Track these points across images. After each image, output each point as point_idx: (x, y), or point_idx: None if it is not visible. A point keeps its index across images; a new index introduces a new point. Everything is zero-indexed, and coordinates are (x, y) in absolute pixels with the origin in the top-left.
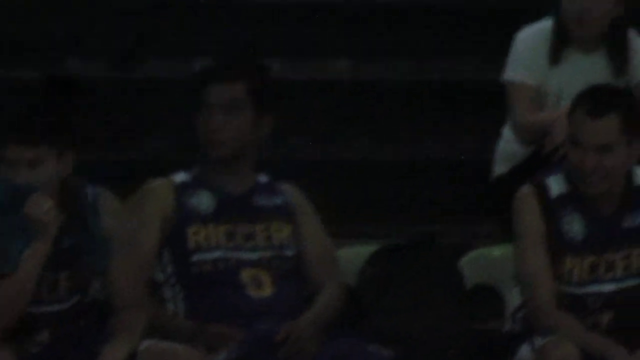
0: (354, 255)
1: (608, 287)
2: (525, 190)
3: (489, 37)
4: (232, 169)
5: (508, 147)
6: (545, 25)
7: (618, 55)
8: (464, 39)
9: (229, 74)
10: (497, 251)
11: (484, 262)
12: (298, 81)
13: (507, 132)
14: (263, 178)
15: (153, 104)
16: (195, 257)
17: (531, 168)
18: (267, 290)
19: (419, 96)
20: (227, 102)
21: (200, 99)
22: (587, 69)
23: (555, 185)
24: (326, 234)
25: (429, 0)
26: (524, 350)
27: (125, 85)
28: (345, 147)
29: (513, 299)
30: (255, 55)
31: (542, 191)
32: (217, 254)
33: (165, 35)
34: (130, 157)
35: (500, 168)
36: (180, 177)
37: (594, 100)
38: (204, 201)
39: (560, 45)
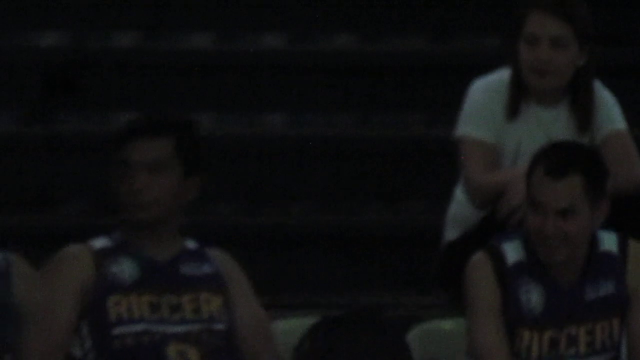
0: (291, 328)
1: None
2: (479, 258)
3: (438, 90)
4: (156, 234)
5: (460, 210)
6: (501, 76)
7: (582, 108)
8: (411, 93)
9: (155, 129)
10: (448, 324)
11: (433, 336)
12: (229, 137)
13: (458, 194)
14: (191, 244)
15: (68, 162)
16: (117, 331)
17: (485, 233)
18: None
19: (362, 153)
20: (152, 160)
21: (121, 156)
22: (547, 124)
23: (512, 252)
24: (260, 306)
25: (373, 53)
26: None
27: (37, 141)
28: (281, 211)
29: None
30: (184, 110)
31: (497, 258)
32: (140, 327)
33: (83, 88)
34: (45, 221)
35: (451, 233)
36: (99, 242)
37: (554, 158)
38: (126, 269)
39: (517, 97)
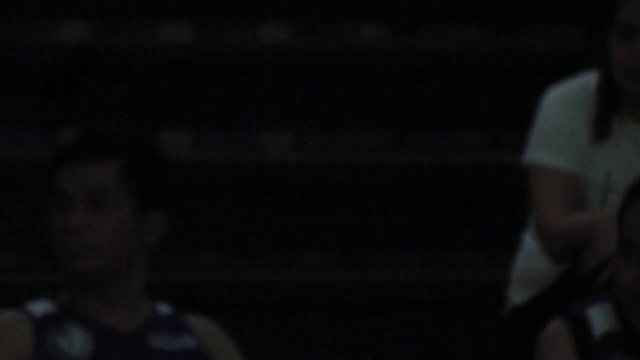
0: None
1: None
2: (556, 328)
3: (499, 101)
4: (112, 295)
5: (529, 263)
6: (585, 83)
7: None
8: (458, 103)
9: (94, 151)
10: None
11: None
12: (210, 161)
13: (528, 242)
14: (163, 308)
15: None
16: None
17: (564, 295)
18: None
19: (394, 186)
20: (91, 190)
21: (54, 186)
22: None
23: (600, 319)
24: None
25: (407, 49)
26: None
27: None
28: (283, 265)
29: None
30: (139, 127)
31: (580, 329)
32: None
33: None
34: None
35: (518, 295)
36: (39, 306)
37: None
38: (76, 342)
39: (608, 112)
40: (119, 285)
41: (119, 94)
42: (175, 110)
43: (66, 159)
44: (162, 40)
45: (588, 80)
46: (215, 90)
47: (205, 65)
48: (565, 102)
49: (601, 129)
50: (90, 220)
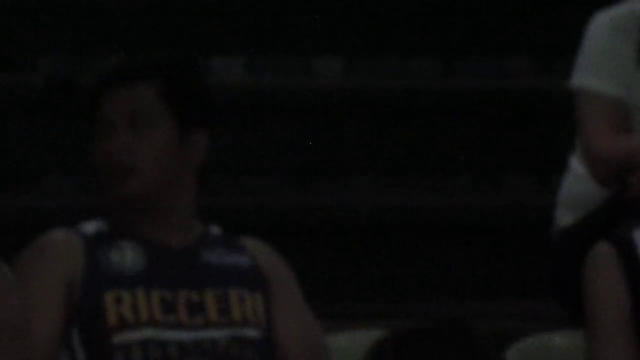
0: (352, 343)
1: None
2: (603, 250)
3: (546, 25)
4: (162, 216)
5: (577, 186)
6: (633, 9)
7: None
8: (505, 28)
9: (131, 73)
10: (561, 339)
11: (541, 354)
12: (259, 85)
13: (575, 165)
14: (216, 229)
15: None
16: (118, 338)
17: (611, 218)
18: None
19: (444, 110)
20: (130, 112)
21: (94, 113)
22: None
23: None
24: (311, 314)
25: None
26: None
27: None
28: (336, 189)
29: None
30: (180, 50)
31: (627, 251)
32: (149, 333)
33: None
34: (23, 201)
35: (565, 217)
36: (91, 226)
37: None
38: (128, 256)
39: None
40: (166, 205)
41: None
42: (227, 34)
43: (105, 83)
44: None
45: (635, 5)
46: (268, 15)
47: None
48: (612, 27)
49: None
50: (131, 142)
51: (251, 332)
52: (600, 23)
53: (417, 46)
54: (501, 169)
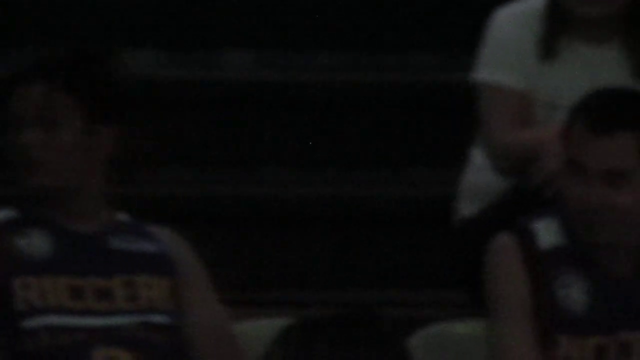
0: (259, 331)
1: None
2: (504, 241)
3: (449, 22)
4: (73, 206)
5: (479, 178)
6: (533, 3)
7: (639, 46)
8: (413, 25)
9: (41, 69)
10: (463, 327)
11: (444, 342)
12: (177, 79)
13: (477, 157)
14: (126, 218)
15: None
16: (28, 323)
17: (512, 209)
18: None
19: (354, 105)
20: (38, 109)
21: (6, 109)
22: (594, 67)
23: (547, 233)
24: (220, 302)
25: None
26: None
27: None
28: (250, 179)
29: None
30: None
31: (527, 241)
32: (57, 319)
33: None
34: None
35: (467, 208)
36: (1, 214)
37: (600, 109)
38: (36, 242)
39: (555, 31)
40: (77, 197)
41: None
42: (137, 27)
43: (17, 81)
44: None
45: (535, 1)
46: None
47: None
48: (514, 21)
49: (549, 48)
50: (39, 138)
51: (159, 318)
52: (502, 18)
53: (325, 41)
54: (404, 161)
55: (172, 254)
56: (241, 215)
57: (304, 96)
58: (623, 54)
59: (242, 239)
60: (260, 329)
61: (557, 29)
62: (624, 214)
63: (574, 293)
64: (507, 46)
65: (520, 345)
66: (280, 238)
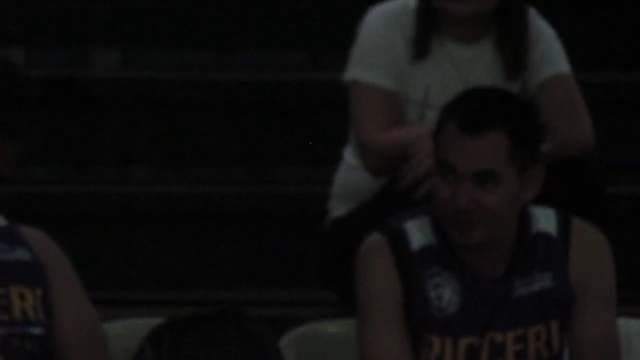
0: (128, 331)
1: None
2: (374, 241)
3: (321, 19)
4: None
5: (349, 177)
6: (404, 3)
7: (511, 46)
8: (282, 21)
9: None
10: (333, 327)
11: (314, 341)
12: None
13: (348, 157)
14: (0, 220)
15: None
16: None
17: (382, 209)
18: None
19: (218, 101)
20: None
21: None
22: (466, 66)
23: (417, 233)
24: (88, 302)
25: None
26: None
27: None
28: (114, 177)
29: None
30: None
31: (398, 242)
32: None
33: None
34: None
35: (338, 208)
36: None
37: (470, 108)
38: None
39: (427, 31)
40: None
41: None
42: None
43: None
44: None
45: (407, 0)
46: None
47: None
48: (385, 21)
49: (420, 47)
50: None
51: (33, 329)
52: (375, 17)
53: (190, 39)
54: (274, 160)
55: (42, 259)
56: (110, 213)
57: (171, 94)
58: (494, 53)
59: (110, 237)
60: (131, 328)
61: (428, 28)
62: (493, 214)
63: (445, 293)
64: (378, 45)
65: (390, 345)
66: (148, 236)
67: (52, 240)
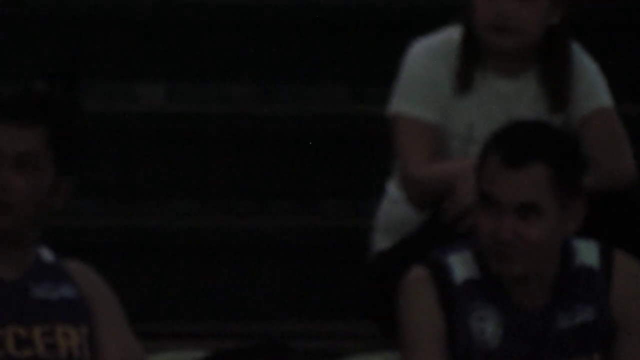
0: None
1: None
2: (418, 274)
3: (365, 53)
4: (8, 246)
5: (393, 211)
6: (448, 36)
7: (555, 79)
8: (326, 54)
9: (27, 113)
10: (376, 359)
11: None
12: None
13: (392, 190)
14: (47, 255)
15: None
16: None
17: (426, 242)
18: None
19: (263, 135)
20: (20, 152)
21: None
22: (509, 100)
23: (461, 266)
24: (133, 336)
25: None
26: None
27: None
28: (157, 211)
29: None
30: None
31: (441, 275)
32: None
33: None
34: None
35: (381, 241)
36: None
37: (512, 142)
38: None
39: (470, 65)
40: (18, 240)
41: None
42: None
43: None
44: None
45: (450, 34)
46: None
47: None
48: (428, 55)
49: (463, 81)
50: (11, 179)
51: None
52: (418, 50)
53: (235, 71)
54: (318, 192)
55: (88, 295)
56: (153, 246)
57: (215, 127)
58: (538, 87)
59: (153, 270)
60: None
61: (471, 62)
62: (535, 246)
63: (488, 327)
64: (421, 79)
65: None
66: (191, 269)
67: (98, 274)
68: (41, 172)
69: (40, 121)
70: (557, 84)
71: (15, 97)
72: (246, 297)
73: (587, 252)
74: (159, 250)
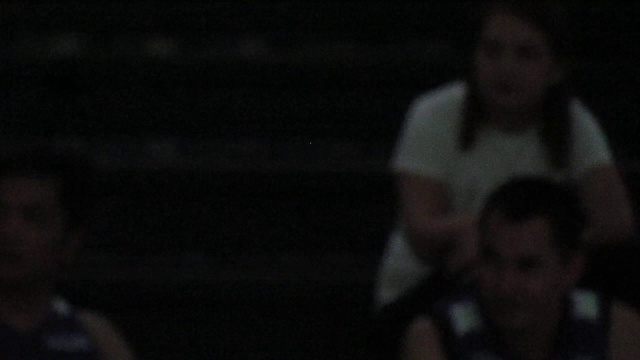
0: None
1: None
2: (422, 326)
3: (370, 111)
4: (21, 298)
5: (398, 264)
6: (452, 94)
7: (556, 137)
8: (332, 112)
9: (38, 166)
10: None
11: None
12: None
13: (397, 244)
14: (61, 307)
15: None
16: None
17: (430, 295)
18: None
19: (271, 191)
20: (31, 203)
21: None
22: (511, 157)
23: (463, 319)
24: None
25: (284, 62)
26: None
27: None
28: (167, 264)
29: None
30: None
31: (444, 327)
32: None
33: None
34: None
35: (386, 294)
36: None
37: (514, 197)
38: None
39: (473, 122)
40: (31, 291)
41: None
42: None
43: (9, 171)
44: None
45: (454, 92)
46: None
47: None
48: (432, 112)
49: (467, 137)
50: (24, 231)
51: None
52: (422, 108)
53: (244, 129)
54: (324, 247)
55: (102, 346)
56: (166, 300)
57: (225, 183)
58: (539, 143)
59: (167, 323)
60: None
61: (474, 119)
62: (536, 299)
63: None
64: (426, 136)
65: None
66: (200, 322)
67: (112, 327)
68: (50, 224)
69: (51, 174)
70: (557, 142)
71: (28, 150)
72: (253, 350)
73: (586, 304)
74: (172, 303)
